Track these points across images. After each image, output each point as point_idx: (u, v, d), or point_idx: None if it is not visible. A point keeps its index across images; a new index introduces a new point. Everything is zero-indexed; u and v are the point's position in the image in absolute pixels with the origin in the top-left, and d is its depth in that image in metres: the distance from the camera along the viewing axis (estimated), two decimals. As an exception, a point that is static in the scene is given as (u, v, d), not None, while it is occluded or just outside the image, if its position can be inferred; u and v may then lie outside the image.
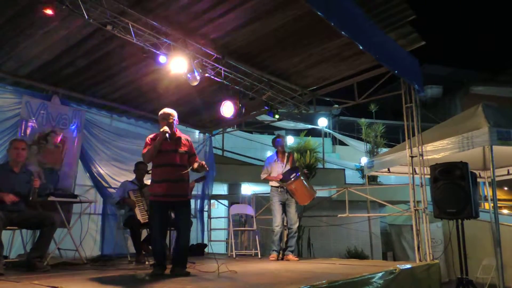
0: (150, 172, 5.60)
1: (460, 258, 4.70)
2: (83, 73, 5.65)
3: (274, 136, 6.00)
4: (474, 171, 4.96)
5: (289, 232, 5.58)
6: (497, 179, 6.07)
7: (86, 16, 4.16)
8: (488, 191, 7.21)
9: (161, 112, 4.03)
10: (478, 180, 6.28)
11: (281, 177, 5.50)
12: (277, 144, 5.77)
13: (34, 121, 5.56)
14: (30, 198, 4.28)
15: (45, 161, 5.62)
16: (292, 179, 5.36)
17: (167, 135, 3.82)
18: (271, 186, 5.70)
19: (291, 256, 5.44)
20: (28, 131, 5.49)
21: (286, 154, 5.76)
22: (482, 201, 8.15)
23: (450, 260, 7.03)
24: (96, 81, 5.95)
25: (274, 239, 5.60)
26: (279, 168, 5.62)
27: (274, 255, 5.56)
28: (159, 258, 3.80)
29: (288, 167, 5.64)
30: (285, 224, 5.75)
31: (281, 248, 5.67)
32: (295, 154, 5.90)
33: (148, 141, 3.93)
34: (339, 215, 6.64)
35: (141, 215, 5.22)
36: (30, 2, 4.01)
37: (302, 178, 5.35)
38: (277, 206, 5.61)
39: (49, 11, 3.88)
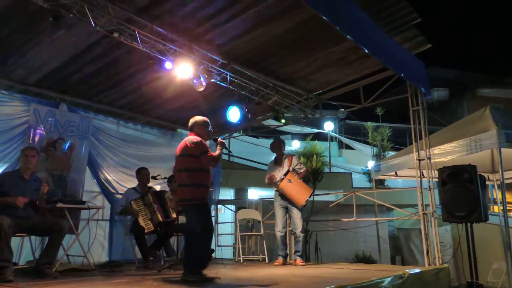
0: (157, 177, 5.68)
1: (470, 262, 4.66)
2: (90, 80, 5.71)
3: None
4: (483, 174, 4.92)
5: (294, 236, 5.56)
6: (506, 181, 6.00)
7: (93, 24, 4.20)
8: (497, 194, 7.15)
9: (200, 119, 4.03)
10: (487, 183, 6.22)
11: (271, 178, 5.51)
12: (272, 148, 5.85)
13: (42, 128, 5.61)
14: (37, 202, 4.31)
15: (54, 168, 5.66)
16: (278, 181, 5.40)
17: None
18: (274, 191, 5.69)
19: (297, 261, 5.41)
20: (37, 139, 5.54)
21: (284, 157, 5.75)
22: (491, 204, 8.07)
23: (459, 264, 6.91)
24: (103, 88, 6.00)
25: (278, 244, 5.59)
26: (276, 172, 5.61)
27: (279, 260, 5.54)
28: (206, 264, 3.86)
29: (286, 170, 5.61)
30: (290, 228, 5.73)
31: (287, 253, 5.65)
32: (301, 158, 5.87)
33: (207, 146, 3.92)
34: (347, 220, 6.61)
35: (145, 224, 5.22)
36: (39, 10, 4.06)
37: (286, 178, 5.35)
38: (278, 210, 5.59)
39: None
